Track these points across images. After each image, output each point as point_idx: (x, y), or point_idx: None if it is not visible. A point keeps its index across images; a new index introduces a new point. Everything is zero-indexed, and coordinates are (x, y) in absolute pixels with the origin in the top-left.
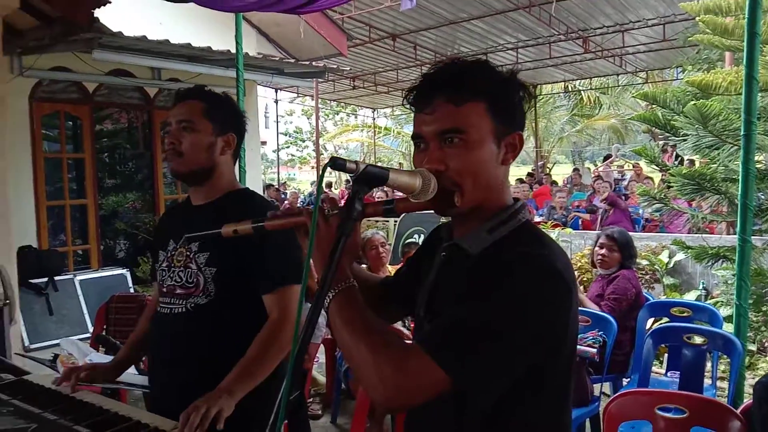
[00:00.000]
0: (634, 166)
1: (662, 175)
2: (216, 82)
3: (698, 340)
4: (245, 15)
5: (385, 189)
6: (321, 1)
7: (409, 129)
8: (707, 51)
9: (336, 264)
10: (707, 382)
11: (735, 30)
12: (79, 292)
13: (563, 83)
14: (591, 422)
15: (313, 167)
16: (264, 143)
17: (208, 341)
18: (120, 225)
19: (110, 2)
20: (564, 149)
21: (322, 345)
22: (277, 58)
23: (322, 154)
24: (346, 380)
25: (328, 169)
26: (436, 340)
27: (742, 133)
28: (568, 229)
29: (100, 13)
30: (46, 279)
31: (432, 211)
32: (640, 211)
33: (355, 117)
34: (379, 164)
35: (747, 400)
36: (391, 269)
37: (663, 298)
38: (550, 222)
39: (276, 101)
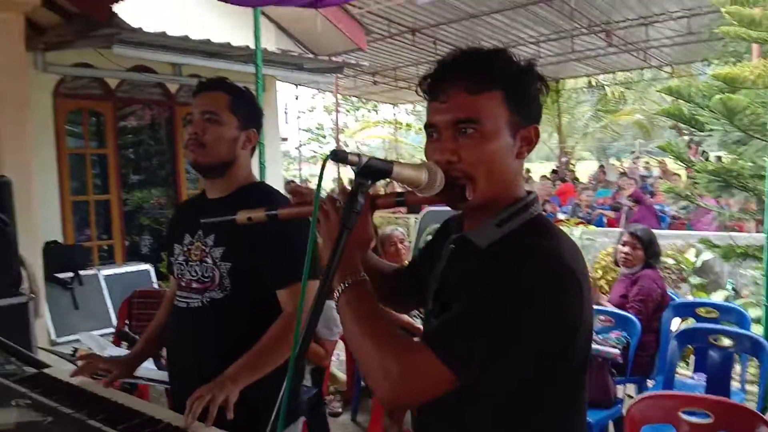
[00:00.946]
0: (659, 163)
1: (688, 171)
2: (236, 77)
3: (726, 342)
4: (265, 10)
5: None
6: None
7: None
8: (734, 44)
9: (339, 257)
10: (736, 385)
11: (762, 21)
12: (104, 286)
13: (587, 78)
14: (614, 424)
15: (335, 164)
16: (285, 140)
17: (224, 335)
18: (144, 221)
19: None
20: (588, 145)
21: (341, 342)
22: (296, 54)
23: None
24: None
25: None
26: (441, 337)
27: None
28: (591, 227)
29: (119, 9)
30: (71, 274)
31: None
32: (666, 209)
33: (377, 113)
34: (403, 159)
35: None
36: None
37: (689, 298)
38: (573, 219)
39: (296, 97)
